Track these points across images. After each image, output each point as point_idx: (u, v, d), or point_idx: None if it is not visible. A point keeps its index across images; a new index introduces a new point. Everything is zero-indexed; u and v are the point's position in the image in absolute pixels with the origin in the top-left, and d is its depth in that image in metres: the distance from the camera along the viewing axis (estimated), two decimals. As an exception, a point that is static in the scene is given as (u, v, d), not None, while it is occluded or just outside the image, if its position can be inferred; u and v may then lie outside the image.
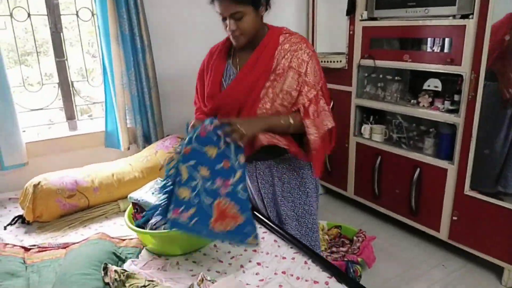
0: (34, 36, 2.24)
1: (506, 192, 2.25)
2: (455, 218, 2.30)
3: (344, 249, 2.27)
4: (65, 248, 1.50)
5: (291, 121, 1.41)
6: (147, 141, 2.43)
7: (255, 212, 1.65)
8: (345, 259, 2.16)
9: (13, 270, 1.32)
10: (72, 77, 2.37)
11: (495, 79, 2.21)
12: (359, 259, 2.15)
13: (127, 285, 1.21)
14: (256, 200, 1.67)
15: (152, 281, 1.25)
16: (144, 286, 1.20)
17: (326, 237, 2.36)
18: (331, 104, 1.50)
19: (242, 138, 1.28)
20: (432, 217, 2.43)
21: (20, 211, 1.81)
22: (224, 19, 1.39)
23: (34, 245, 1.53)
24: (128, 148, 2.37)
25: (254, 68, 1.43)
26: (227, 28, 1.39)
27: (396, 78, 2.60)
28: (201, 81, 1.64)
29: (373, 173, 2.74)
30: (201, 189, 1.22)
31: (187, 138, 1.26)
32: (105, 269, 1.27)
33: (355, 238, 2.34)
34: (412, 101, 2.51)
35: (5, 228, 1.74)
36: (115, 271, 1.25)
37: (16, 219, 1.79)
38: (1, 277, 1.27)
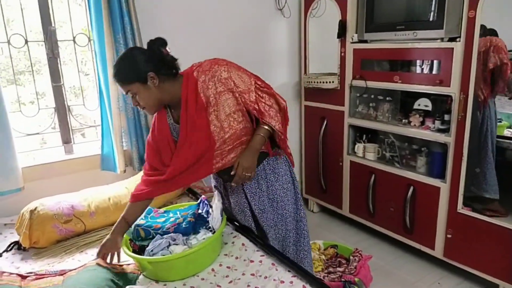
0: (31, 61, 2.27)
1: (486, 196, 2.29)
2: (449, 235, 2.33)
3: (341, 269, 2.28)
4: (62, 275, 1.49)
5: (264, 131, 1.54)
6: (143, 163, 2.43)
7: (252, 235, 1.67)
8: (343, 279, 2.16)
9: (10, 299, 1.32)
10: (66, 95, 2.37)
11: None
12: (356, 279, 2.15)
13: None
14: (239, 214, 1.72)
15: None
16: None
17: (323, 257, 2.37)
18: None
19: (251, 172, 1.53)
20: (426, 234, 2.45)
21: (16, 237, 1.80)
22: None
23: (31, 273, 1.52)
24: (124, 171, 2.38)
25: (189, 115, 1.47)
26: None
27: (387, 98, 2.66)
28: (151, 146, 1.64)
29: (368, 191, 2.77)
30: None
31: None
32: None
33: (351, 257, 2.35)
34: (403, 120, 2.56)
35: (0, 255, 1.73)
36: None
37: (12, 245, 1.78)
38: (-1, 307, 1.27)
